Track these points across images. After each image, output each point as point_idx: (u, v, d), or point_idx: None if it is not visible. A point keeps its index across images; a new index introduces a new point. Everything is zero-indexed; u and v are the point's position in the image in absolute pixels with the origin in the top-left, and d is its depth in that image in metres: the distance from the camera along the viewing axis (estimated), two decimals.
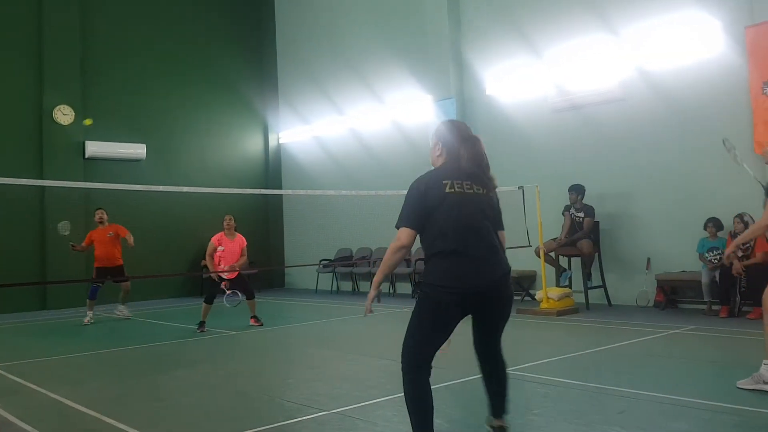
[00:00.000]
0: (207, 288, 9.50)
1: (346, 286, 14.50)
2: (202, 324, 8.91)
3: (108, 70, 14.27)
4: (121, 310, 10.88)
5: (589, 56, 10.34)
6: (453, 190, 3.38)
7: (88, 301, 10.27)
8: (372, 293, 3.57)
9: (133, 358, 7.45)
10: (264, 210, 16.28)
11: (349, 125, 14.65)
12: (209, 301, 9.01)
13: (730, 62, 8.83)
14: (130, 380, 6.17)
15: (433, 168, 3.63)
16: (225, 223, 9.31)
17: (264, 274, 15.46)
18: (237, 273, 9.14)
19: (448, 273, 3.30)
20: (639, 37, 9.78)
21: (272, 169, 16.60)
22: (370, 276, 13.85)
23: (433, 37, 12.48)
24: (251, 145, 16.46)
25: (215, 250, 9.12)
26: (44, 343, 8.89)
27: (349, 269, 14.17)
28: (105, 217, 10.63)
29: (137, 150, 14.25)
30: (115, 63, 14.38)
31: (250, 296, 9.33)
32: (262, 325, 9.19)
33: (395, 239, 3.37)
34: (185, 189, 9.28)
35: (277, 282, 16.37)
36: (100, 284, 10.41)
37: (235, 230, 9.40)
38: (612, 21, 10.06)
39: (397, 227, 3.39)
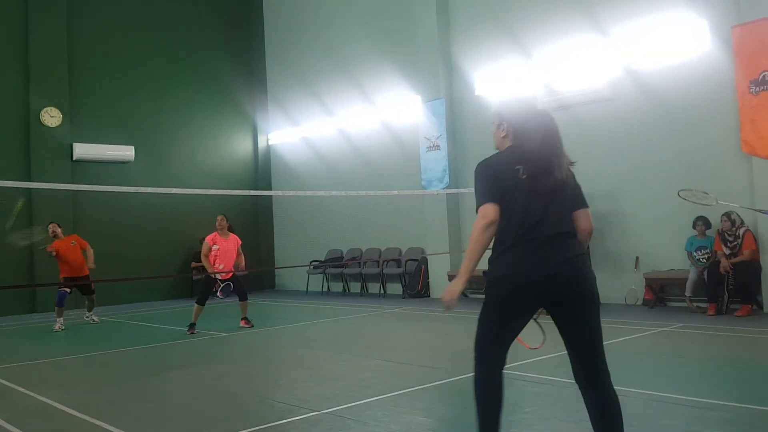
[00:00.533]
0: (199, 289, 9.46)
1: (337, 287, 14.49)
2: (192, 326, 8.87)
3: (95, 72, 14.19)
4: (90, 316, 10.66)
5: (578, 56, 10.39)
6: (526, 176, 3.06)
7: (56, 308, 10.03)
8: (459, 284, 3.12)
9: (124, 360, 7.41)
10: (254, 211, 16.25)
11: (339, 126, 14.65)
12: (201, 302, 8.97)
13: (717, 61, 8.90)
14: (120, 383, 6.14)
15: (497, 151, 3.28)
16: (217, 223, 9.27)
17: (254, 275, 15.42)
18: (232, 273, 9.11)
19: (512, 263, 3.07)
20: (627, 37, 9.84)
21: (262, 170, 16.57)
22: (360, 277, 13.85)
23: (423, 38, 12.51)
24: (240, 146, 16.42)
25: (210, 249, 9.08)
26: (33, 346, 8.82)
27: (340, 270, 14.16)
28: (58, 230, 10.26)
29: (125, 152, 14.18)
30: (103, 64, 14.30)
31: (243, 297, 9.30)
32: (252, 326, 9.17)
33: (479, 217, 3.05)
34: (174, 191, 9.26)
35: (268, 283, 16.34)
36: (68, 291, 10.16)
37: (229, 230, 9.36)
38: (601, 21, 10.11)
39: (479, 206, 3.09)
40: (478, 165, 3.18)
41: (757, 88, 8.26)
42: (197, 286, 14.09)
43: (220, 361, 7.11)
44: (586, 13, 10.28)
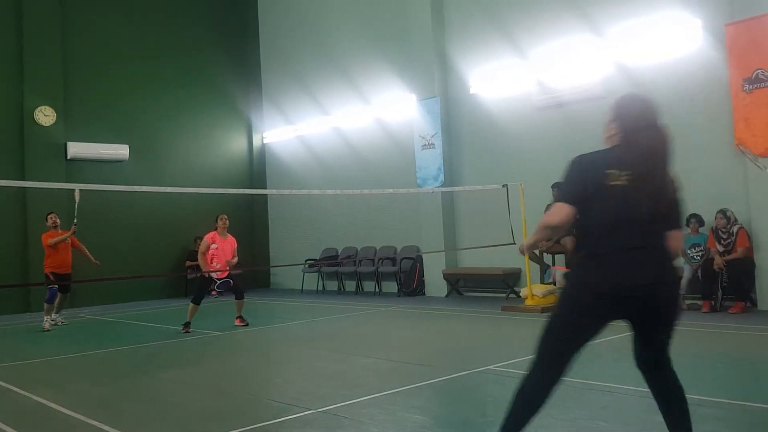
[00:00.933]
0: (195, 288, 9.44)
1: (332, 285, 14.49)
2: (187, 325, 8.86)
3: (90, 71, 14.14)
4: (57, 318, 10.27)
5: (572, 55, 10.41)
6: (617, 182, 2.90)
7: (46, 306, 9.88)
8: (532, 240, 3.20)
9: (118, 359, 7.40)
10: (249, 210, 16.23)
11: (334, 125, 14.64)
12: (197, 301, 8.96)
13: (711, 60, 8.93)
14: (114, 382, 6.13)
15: (603, 147, 3.14)
16: (220, 223, 9.25)
17: (249, 274, 15.41)
18: (227, 273, 9.11)
19: (594, 272, 2.95)
20: (621, 35, 9.86)
21: (257, 169, 16.55)
22: (355, 275, 13.85)
23: (418, 37, 12.51)
24: (235, 145, 16.40)
25: (209, 247, 9.08)
26: (27, 345, 8.80)
27: (335, 269, 14.16)
28: (58, 221, 10.03)
29: (120, 151, 14.14)
30: (97, 63, 14.25)
31: (239, 296, 9.31)
32: (247, 325, 9.17)
33: (551, 214, 2.97)
34: (168, 189, 9.25)
35: (263, 282, 16.33)
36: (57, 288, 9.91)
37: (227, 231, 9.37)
38: (595, 20, 10.13)
39: (557, 201, 3.00)
40: (575, 157, 3.06)
41: (751, 86, 8.29)
42: (192, 285, 14.08)
43: (215, 360, 7.11)
44: (581, 12, 10.30)
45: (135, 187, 8.60)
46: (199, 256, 9.20)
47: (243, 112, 16.50)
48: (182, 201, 13.47)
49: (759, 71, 8.24)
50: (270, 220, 16.60)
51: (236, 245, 9.38)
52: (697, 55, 9.11)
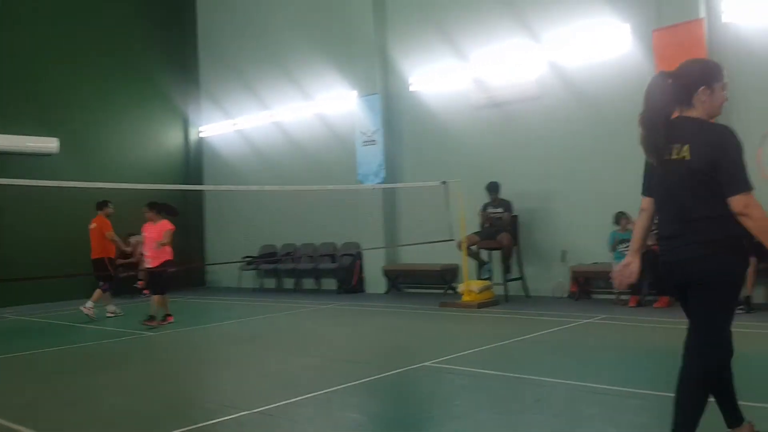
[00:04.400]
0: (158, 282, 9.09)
1: (270, 283, 14.35)
2: (151, 318, 8.81)
3: (13, 60, 13.52)
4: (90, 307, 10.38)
5: (509, 57, 10.62)
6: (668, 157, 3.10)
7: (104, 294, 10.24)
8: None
9: (48, 360, 7.12)
10: (183, 205, 15.79)
11: (275, 119, 14.50)
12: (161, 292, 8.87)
13: (639, 63, 9.26)
14: (42, 384, 5.91)
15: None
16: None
17: (183, 272, 15.09)
18: (157, 263, 8.89)
19: (744, 252, 3.06)
20: (555, 39, 10.13)
21: (193, 163, 16.23)
22: (294, 272, 13.77)
23: (359, 35, 12.50)
24: (170, 139, 16.02)
25: (137, 240, 8.99)
26: None
27: (274, 266, 14.03)
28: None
29: (48, 144, 13.59)
30: (24, 53, 13.64)
31: (154, 290, 9.01)
32: (156, 327, 8.79)
33: (757, 205, 2.89)
34: (99, 185, 8.94)
35: (198, 280, 16.00)
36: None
37: (159, 216, 9.18)
38: (532, 25, 10.37)
39: (745, 191, 2.90)
40: (733, 133, 2.99)
41: None
42: (123, 283, 13.72)
43: (148, 362, 6.95)
44: (518, 18, 10.52)
45: (62, 182, 8.27)
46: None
47: (179, 107, 16.14)
48: (114, 197, 13.03)
49: None
50: (206, 216, 16.31)
51: (167, 228, 9.06)
52: (626, 59, 9.43)
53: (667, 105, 3.21)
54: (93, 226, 10.49)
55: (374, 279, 12.26)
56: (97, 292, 10.08)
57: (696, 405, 3.04)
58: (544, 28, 10.25)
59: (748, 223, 2.88)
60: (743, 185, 2.89)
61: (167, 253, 9.03)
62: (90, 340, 8.43)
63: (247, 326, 9.15)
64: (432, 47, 11.63)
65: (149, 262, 9.03)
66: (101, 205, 10.57)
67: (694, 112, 3.16)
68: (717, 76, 3.16)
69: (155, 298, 9.01)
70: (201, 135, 16.37)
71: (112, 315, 10.39)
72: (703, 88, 3.13)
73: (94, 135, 14.58)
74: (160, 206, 9.28)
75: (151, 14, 15.85)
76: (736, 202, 2.89)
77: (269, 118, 14.60)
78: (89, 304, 9.99)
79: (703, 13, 8.57)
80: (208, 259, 15.99)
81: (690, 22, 8.54)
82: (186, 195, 15.62)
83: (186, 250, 15.57)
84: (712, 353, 3.06)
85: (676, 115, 3.20)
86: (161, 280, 9.02)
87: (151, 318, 8.93)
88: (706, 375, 3.07)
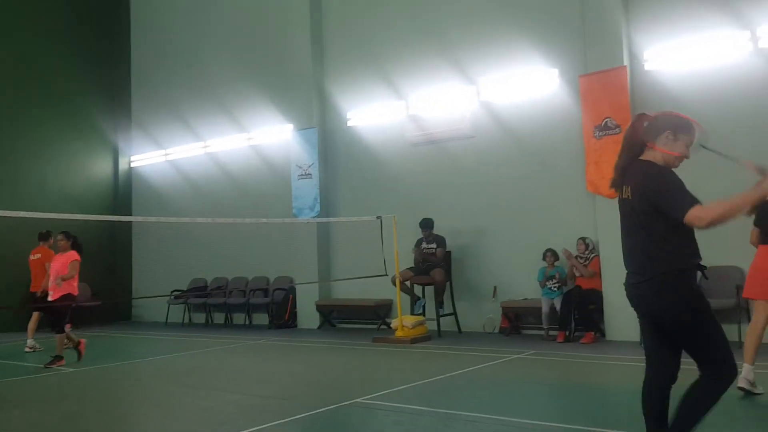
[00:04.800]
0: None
1: (200, 318, 13.97)
2: (57, 359, 8.23)
3: None
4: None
5: (445, 96, 10.89)
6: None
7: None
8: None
9: None
10: (111, 237, 15.39)
11: (209, 150, 14.32)
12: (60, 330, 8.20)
13: (567, 106, 9.67)
14: None
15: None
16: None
17: (108, 306, 14.55)
18: (57, 296, 8.27)
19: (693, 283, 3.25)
20: (489, 81, 10.47)
21: (122, 194, 15.78)
22: (225, 307, 13.47)
23: (297, 69, 12.55)
24: (99, 169, 15.56)
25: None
26: None
27: (203, 300, 13.68)
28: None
29: None
30: None
31: (55, 328, 8.26)
32: (56, 365, 8.18)
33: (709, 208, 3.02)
34: (22, 214, 8.55)
35: (123, 314, 15.44)
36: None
37: (73, 247, 8.61)
38: (466, 68, 10.68)
39: (691, 208, 3.04)
40: (673, 173, 3.24)
41: (601, 133, 9.03)
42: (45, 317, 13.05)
43: (67, 400, 6.60)
44: (453, 60, 10.81)
45: None
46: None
47: (109, 136, 15.76)
48: (36, 228, 12.51)
49: (608, 119, 8.99)
50: (134, 248, 15.82)
51: (74, 259, 8.45)
52: (555, 101, 9.83)
53: (633, 145, 3.38)
54: (36, 257, 10.15)
55: (307, 314, 12.12)
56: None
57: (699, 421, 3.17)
58: (479, 71, 10.58)
59: (706, 225, 3.00)
60: (688, 203, 3.03)
61: (71, 287, 8.38)
62: (3, 376, 7.96)
63: (174, 362, 8.85)
64: (369, 84, 11.80)
65: (50, 295, 8.36)
66: (45, 235, 10.22)
67: (651, 155, 3.33)
68: (687, 128, 3.33)
69: (58, 336, 8.32)
70: (132, 165, 15.98)
71: (31, 350, 9.88)
72: (668, 132, 3.30)
73: (12, 164, 14.03)
74: (74, 238, 8.79)
75: (83, 49, 15.55)
76: (690, 218, 3.02)
77: (203, 149, 14.41)
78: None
79: (626, 61, 9.03)
80: (135, 293, 15.46)
81: (614, 69, 8.98)
82: (114, 226, 15.15)
83: (112, 282, 15.09)
84: (728, 371, 3.15)
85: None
86: (61, 316, 8.32)
87: (57, 358, 8.33)
88: (721, 394, 3.18)
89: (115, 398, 6.79)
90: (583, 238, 9.18)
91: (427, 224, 10.29)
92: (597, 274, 9.05)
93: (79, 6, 15.65)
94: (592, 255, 9.12)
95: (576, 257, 9.13)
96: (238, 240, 13.46)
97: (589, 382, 6.43)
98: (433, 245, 10.22)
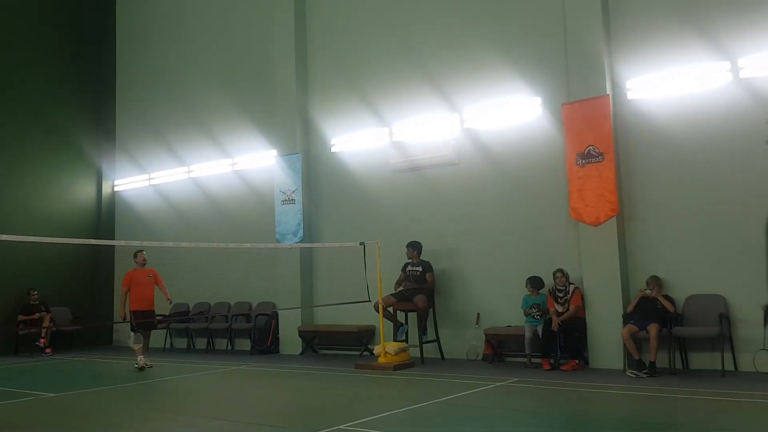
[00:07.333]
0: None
1: (181, 343, 13.80)
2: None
3: None
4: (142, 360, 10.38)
5: (428, 124, 10.98)
6: None
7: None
8: None
9: None
10: (93, 261, 15.24)
11: (192, 175, 14.28)
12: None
13: (550, 134, 9.78)
14: None
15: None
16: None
17: (89, 330, 14.34)
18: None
19: None
20: (472, 110, 10.58)
21: (105, 218, 15.66)
22: (207, 332, 13.32)
23: (281, 95, 12.61)
24: (82, 192, 15.45)
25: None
26: None
27: (185, 325, 13.53)
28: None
29: None
30: None
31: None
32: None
33: None
34: (3, 237, 8.46)
35: (105, 339, 15.22)
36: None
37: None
38: (450, 96, 10.79)
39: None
40: None
41: (584, 161, 9.13)
42: (23, 341, 12.97)
43: (45, 426, 6.47)
44: (437, 89, 10.92)
45: None
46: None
47: (92, 160, 15.69)
48: (17, 251, 12.38)
49: (591, 147, 9.09)
50: (116, 272, 15.64)
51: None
52: (538, 129, 9.94)
53: None
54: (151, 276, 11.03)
55: (289, 340, 12.03)
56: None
57: None
58: (462, 98, 10.69)
59: None
60: None
61: None
62: None
63: (155, 388, 8.72)
64: (353, 110, 11.87)
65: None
66: None
67: None
68: None
69: None
70: (115, 189, 15.89)
71: None
72: None
73: None
74: None
75: (66, 67, 15.55)
76: None
77: (186, 174, 14.38)
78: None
79: (609, 90, 9.18)
80: (116, 318, 15.25)
81: (597, 98, 9.11)
82: (97, 250, 15.01)
83: (94, 306, 14.90)
84: None
85: None
86: None
87: None
88: None
89: (93, 425, 6.65)
90: (561, 270, 9.10)
91: (415, 246, 10.28)
92: (581, 309, 9.02)
93: (64, 31, 15.68)
94: (572, 287, 9.08)
95: (554, 289, 9.10)
96: (220, 265, 13.37)
97: (572, 410, 6.41)
98: (419, 268, 10.21)
